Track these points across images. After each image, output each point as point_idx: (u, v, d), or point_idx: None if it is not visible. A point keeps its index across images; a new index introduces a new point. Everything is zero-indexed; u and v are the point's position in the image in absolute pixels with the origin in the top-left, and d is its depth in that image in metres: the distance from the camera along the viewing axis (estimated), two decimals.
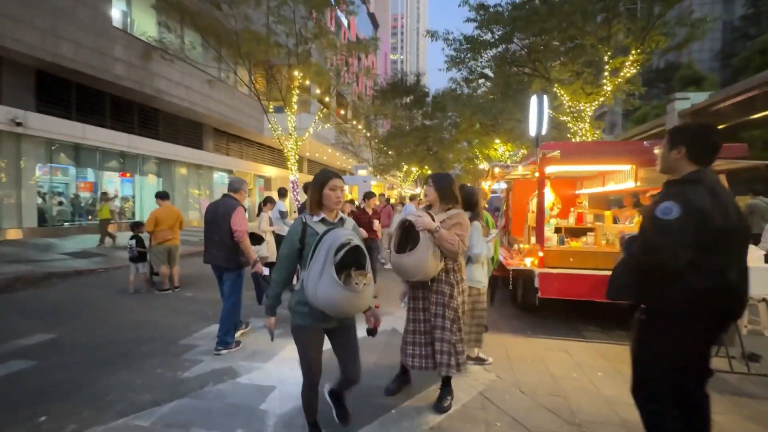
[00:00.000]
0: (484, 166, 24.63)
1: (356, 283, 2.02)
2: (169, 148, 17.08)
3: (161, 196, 6.56)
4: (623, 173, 4.75)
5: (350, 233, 2.14)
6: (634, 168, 4.37)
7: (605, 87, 9.06)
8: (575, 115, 10.17)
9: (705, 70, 29.87)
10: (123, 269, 8.25)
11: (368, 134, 26.13)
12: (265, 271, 4.34)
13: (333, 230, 2.11)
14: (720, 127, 15.04)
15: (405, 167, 28.41)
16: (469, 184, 3.67)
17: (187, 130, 18.70)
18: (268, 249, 6.89)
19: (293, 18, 10.98)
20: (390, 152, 26.15)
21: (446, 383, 2.87)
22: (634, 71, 8.83)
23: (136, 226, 6.82)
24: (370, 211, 7.02)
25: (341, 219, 2.30)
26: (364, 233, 5.75)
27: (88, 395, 3.10)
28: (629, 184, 4.57)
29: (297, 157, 12.36)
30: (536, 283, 4.60)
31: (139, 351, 4.07)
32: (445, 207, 2.68)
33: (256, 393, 3.14)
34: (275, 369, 3.64)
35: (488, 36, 9.82)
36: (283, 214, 7.15)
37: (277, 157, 26.95)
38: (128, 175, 16.35)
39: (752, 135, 15.72)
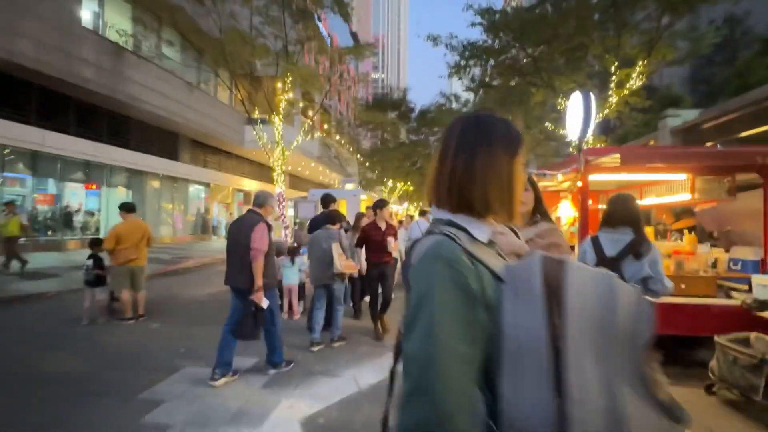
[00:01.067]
0: None
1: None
2: (141, 158, 15.85)
3: (126, 208, 5.57)
4: (670, 184, 4.16)
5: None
6: (690, 178, 3.78)
7: (610, 99, 8.72)
8: None
9: (679, 92, 30.99)
10: (79, 293, 7.09)
11: (350, 149, 25.52)
12: (264, 302, 3.52)
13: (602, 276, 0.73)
14: (709, 144, 15.18)
15: (390, 183, 27.84)
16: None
17: (162, 140, 17.51)
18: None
19: (282, 19, 10.19)
20: (375, 168, 25.58)
21: None
22: (640, 83, 8.54)
23: (95, 244, 5.75)
24: (383, 226, 5.19)
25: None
26: (351, 266, 4.93)
27: None
28: (681, 197, 3.98)
29: (284, 168, 11.45)
30: None
31: (79, 413, 3.07)
32: (531, 220, 1.86)
33: None
34: None
35: (494, 42, 9.41)
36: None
37: (257, 170, 25.87)
38: (94, 186, 14.96)
39: None
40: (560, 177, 3.88)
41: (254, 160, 25.02)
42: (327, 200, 5.79)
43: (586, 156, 3.77)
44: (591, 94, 3.65)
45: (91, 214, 14.90)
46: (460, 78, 10.66)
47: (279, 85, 11.00)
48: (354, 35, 58.39)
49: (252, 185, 25.04)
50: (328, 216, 5.07)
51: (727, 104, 12.68)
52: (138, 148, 15.88)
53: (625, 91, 8.63)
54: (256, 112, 11.63)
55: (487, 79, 10.76)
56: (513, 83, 9.95)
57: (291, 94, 11.49)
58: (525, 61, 9.39)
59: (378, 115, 19.15)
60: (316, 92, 13.21)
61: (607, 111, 8.99)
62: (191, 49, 13.19)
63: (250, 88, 12.29)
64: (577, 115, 3.85)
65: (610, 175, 3.98)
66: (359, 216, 6.21)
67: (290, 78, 10.46)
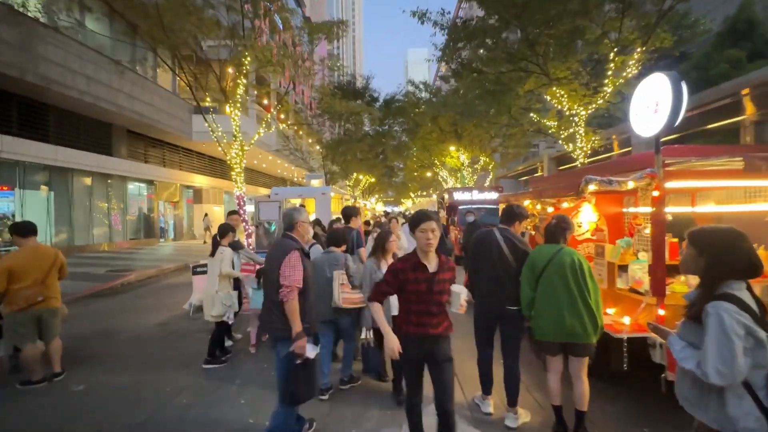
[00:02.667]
0: (444, 174, 23.78)
1: None
2: (65, 153, 13.42)
3: (20, 231, 3.98)
4: (751, 189, 3.41)
5: None
6: None
7: (605, 88, 8.13)
8: (564, 119, 9.19)
9: None
10: None
11: (310, 141, 23.89)
12: (310, 352, 2.69)
13: None
14: (677, 135, 15.46)
15: (354, 176, 26.57)
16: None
17: (91, 132, 15.02)
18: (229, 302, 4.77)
19: None
20: (338, 160, 24.22)
21: None
22: (636, 71, 8.00)
23: None
24: (432, 264, 4.08)
25: None
26: (354, 299, 3.65)
27: None
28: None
29: (243, 165, 9.85)
30: (659, 358, 3.07)
31: None
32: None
33: None
34: None
35: (492, 19, 8.45)
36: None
37: (208, 164, 23.54)
38: (5, 188, 12.44)
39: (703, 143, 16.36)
40: (631, 185, 3.00)
41: (204, 153, 22.69)
42: (348, 214, 4.99)
43: (667, 158, 2.88)
44: (681, 78, 2.78)
45: (3, 219, 12.38)
46: (447, 62, 9.66)
47: (231, 70, 9.34)
48: (308, 20, 55.71)
49: (203, 181, 22.76)
50: (332, 236, 4.02)
51: (696, 97, 12.85)
52: (60, 142, 13.43)
53: (621, 80, 8.07)
54: (207, 100, 9.84)
55: (477, 64, 9.79)
56: (503, 69, 9.11)
57: (246, 80, 9.85)
58: (519, 43, 8.53)
59: (347, 104, 17.75)
60: (278, 76, 11.58)
61: (600, 102, 8.42)
62: (121, 21, 10.98)
63: (197, 71, 10.46)
64: (651, 104, 2.96)
65: (695, 182, 3.14)
66: (384, 234, 3.85)
67: (248, 59, 8.81)
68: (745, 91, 12.45)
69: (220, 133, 9.55)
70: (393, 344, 2.34)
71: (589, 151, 8.97)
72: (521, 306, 3.13)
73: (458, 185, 20.24)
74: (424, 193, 39.74)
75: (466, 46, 9.31)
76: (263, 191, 27.94)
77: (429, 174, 33.79)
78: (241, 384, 4.07)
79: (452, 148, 19.68)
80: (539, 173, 29.02)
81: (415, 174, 35.67)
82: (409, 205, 52.22)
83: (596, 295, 2.88)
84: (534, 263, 3.06)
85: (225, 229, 4.87)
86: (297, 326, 2.62)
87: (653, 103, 2.98)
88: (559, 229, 3.03)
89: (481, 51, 9.41)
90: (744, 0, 15.33)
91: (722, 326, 1.49)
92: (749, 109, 12.88)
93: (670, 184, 3.00)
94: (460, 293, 2.48)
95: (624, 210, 5.26)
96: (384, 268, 3.51)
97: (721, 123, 13.19)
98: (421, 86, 19.65)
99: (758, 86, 12.23)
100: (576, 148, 9.11)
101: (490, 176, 20.70)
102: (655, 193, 2.95)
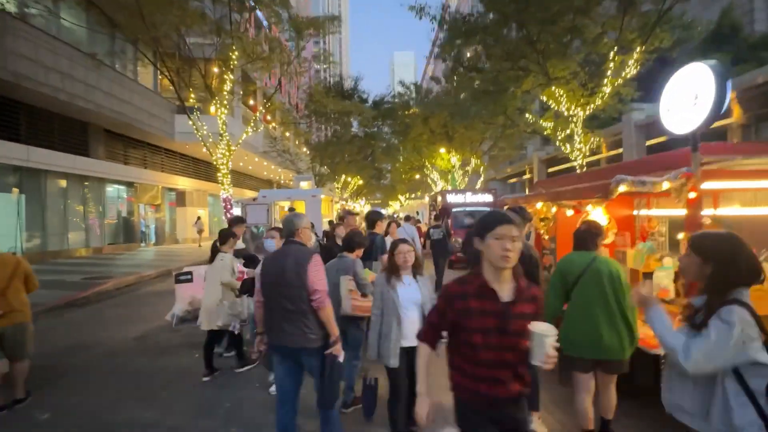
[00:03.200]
0: (435, 176, 23.57)
1: None
2: (37, 154, 12.67)
3: None
4: None
5: None
6: None
7: (604, 88, 7.99)
8: (560, 119, 9.04)
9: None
10: None
11: (297, 142, 23.45)
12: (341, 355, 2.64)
13: None
14: (663, 139, 15.60)
15: (343, 178, 26.17)
16: None
17: (66, 132, 14.25)
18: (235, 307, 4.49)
19: None
20: (326, 162, 23.83)
21: None
22: (635, 71, 7.89)
23: None
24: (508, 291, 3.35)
25: None
26: (365, 307, 3.25)
27: None
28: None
29: (230, 167, 9.36)
30: None
31: None
32: None
33: None
34: None
35: (493, 16, 8.21)
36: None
37: (192, 166, 22.79)
38: None
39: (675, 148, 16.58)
40: (666, 185, 2.74)
41: (188, 154, 21.95)
42: (372, 218, 4.86)
43: (709, 155, 2.63)
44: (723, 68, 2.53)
45: None
46: (444, 60, 9.37)
47: (217, 69, 8.83)
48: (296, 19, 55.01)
49: (186, 183, 21.99)
50: (348, 239, 3.72)
51: None
52: (32, 141, 12.67)
53: (620, 80, 7.95)
54: (192, 98, 9.31)
55: (474, 62, 9.52)
56: (501, 68, 8.90)
57: (232, 75, 9.33)
58: (519, 41, 8.31)
59: (341, 102, 17.40)
60: (265, 73, 11.12)
61: (599, 102, 8.28)
62: (99, 13, 10.35)
63: (180, 67, 9.87)
64: (689, 97, 2.71)
65: (735, 182, 2.91)
66: (394, 244, 3.04)
67: (235, 53, 8.33)
68: (732, 95, 12.66)
69: (205, 132, 9.04)
70: (423, 410, 1.69)
71: (587, 153, 8.84)
72: (547, 317, 2.84)
73: (449, 187, 20.06)
74: (413, 196, 39.50)
75: (466, 43, 9.05)
76: (249, 194, 27.25)
77: (418, 176, 33.60)
78: (230, 408, 3.67)
79: (442, 150, 19.50)
80: (527, 175, 29.16)
81: (403, 176, 35.48)
82: (396, 207, 51.99)
83: (634, 307, 2.62)
84: (565, 273, 2.78)
85: (226, 235, 4.55)
86: (335, 330, 2.64)
87: (691, 95, 2.73)
88: (590, 236, 2.76)
89: (480, 47, 9.16)
90: (725, 6, 15.63)
91: (729, 332, 1.49)
92: (736, 112, 13.07)
93: (708, 185, 2.75)
94: (545, 336, 1.54)
95: (635, 213, 5.06)
96: (403, 288, 2.87)
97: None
98: (412, 87, 19.41)
99: (746, 90, 12.38)
100: (573, 150, 8.96)
101: (481, 178, 20.60)
102: (692, 195, 2.69)
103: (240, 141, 9.67)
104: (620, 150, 13.85)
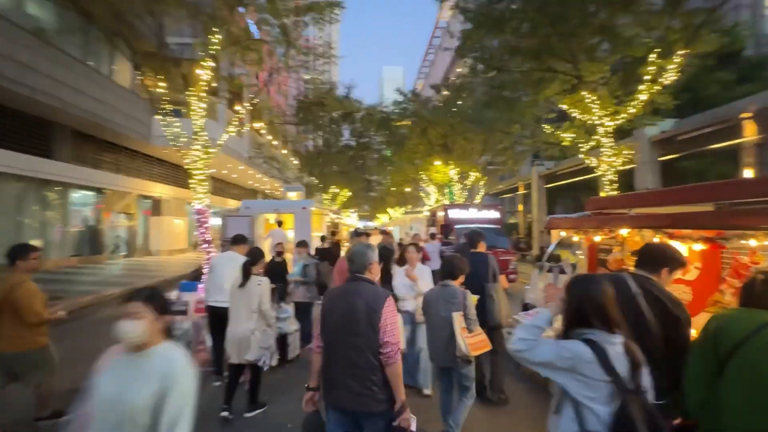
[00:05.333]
0: (430, 189, 22.63)
1: None
2: None
3: None
4: None
5: None
6: None
7: (639, 95, 7.14)
8: (580, 130, 8.16)
9: None
10: None
11: (285, 151, 22.39)
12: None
13: None
14: (675, 156, 15.08)
15: (332, 189, 25.00)
16: None
17: (25, 130, 12.72)
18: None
19: None
20: (315, 173, 22.71)
21: None
22: (674, 78, 7.07)
23: None
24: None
25: None
26: (481, 345, 3.22)
27: None
28: None
29: (208, 173, 8.09)
30: None
31: None
32: None
33: None
34: None
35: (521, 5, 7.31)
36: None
37: (171, 172, 21.26)
38: None
39: (684, 166, 16.08)
40: None
41: (166, 160, 20.47)
42: (475, 239, 4.31)
43: None
44: None
45: None
46: (463, 57, 8.42)
47: (201, 62, 7.69)
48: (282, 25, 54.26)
49: (164, 190, 20.44)
50: (447, 266, 3.40)
51: (702, 117, 12.44)
52: None
53: (658, 87, 7.11)
54: (166, 99, 8.07)
55: (500, 62, 8.52)
56: (524, 68, 7.97)
57: (213, 62, 8.14)
58: (551, 38, 7.38)
59: (340, 102, 16.51)
60: (253, 66, 10.00)
61: (633, 111, 7.41)
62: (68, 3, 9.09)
63: (159, 65, 8.67)
64: None
65: None
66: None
67: (216, 38, 7.15)
68: (746, 114, 12.23)
69: (178, 130, 7.77)
70: None
71: (618, 166, 7.95)
72: (686, 406, 1.92)
73: (446, 201, 19.10)
74: (408, 209, 38.35)
75: (495, 31, 8.01)
76: (233, 204, 25.76)
77: (408, 189, 32.62)
78: None
79: (437, 163, 18.64)
80: (521, 191, 28.53)
81: (393, 189, 34.46)
82: (385, 221, 50.90)
83: None
84: (719, 336, 1.82)
85: (256, 255, 4.09)
86: (402, 393, 2.28)
87: None
88: None
89: (508, 39, 8.17)
90: (729, 25, 15.38)
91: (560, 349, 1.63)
92: (750, 131, 12.61)
93: None
94: None
95: (724, 243, 4.02)
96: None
97: (721, 144, 12.83)
98: (408, 94, 18.54)
99: (764, 109, 11.91)
100: (601, 163, 8.04)
101: (480, 192, 19.77)
102: None
103: (221, 142, 8.42)
104: (633, 165, 13.17)
